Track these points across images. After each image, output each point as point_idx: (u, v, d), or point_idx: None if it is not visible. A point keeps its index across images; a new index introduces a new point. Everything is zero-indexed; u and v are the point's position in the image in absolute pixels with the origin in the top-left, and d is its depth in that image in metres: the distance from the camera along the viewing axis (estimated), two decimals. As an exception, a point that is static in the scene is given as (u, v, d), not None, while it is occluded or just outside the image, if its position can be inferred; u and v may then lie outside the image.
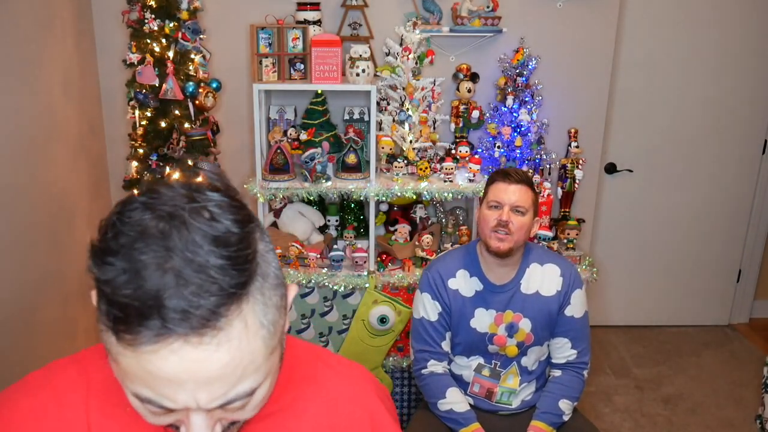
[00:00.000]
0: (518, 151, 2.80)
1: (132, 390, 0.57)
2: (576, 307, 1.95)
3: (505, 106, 2.85)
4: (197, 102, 2.48)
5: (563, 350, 1.98)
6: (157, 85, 2.41)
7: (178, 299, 0.50)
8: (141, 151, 2.49)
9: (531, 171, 2.82)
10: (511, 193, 1.87)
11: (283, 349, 0.66)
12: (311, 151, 2.54)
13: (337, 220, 2.90)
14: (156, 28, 2.38)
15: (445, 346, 2.00)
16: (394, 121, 2.72)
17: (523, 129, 2.81)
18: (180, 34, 2.43)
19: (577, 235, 2.88)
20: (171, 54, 2.42)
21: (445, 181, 2.63)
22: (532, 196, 1.90)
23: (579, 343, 1.97)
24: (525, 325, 1.94)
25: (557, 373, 2.00)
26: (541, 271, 1.95)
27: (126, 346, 0.53)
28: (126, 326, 0.51)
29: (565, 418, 1.94)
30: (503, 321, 1.94)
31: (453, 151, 2.89)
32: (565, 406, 1.94)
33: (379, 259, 2.73)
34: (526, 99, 2.84)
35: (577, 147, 2.98)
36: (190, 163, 2.39)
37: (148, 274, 0.50)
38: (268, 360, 0.60)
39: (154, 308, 0.50)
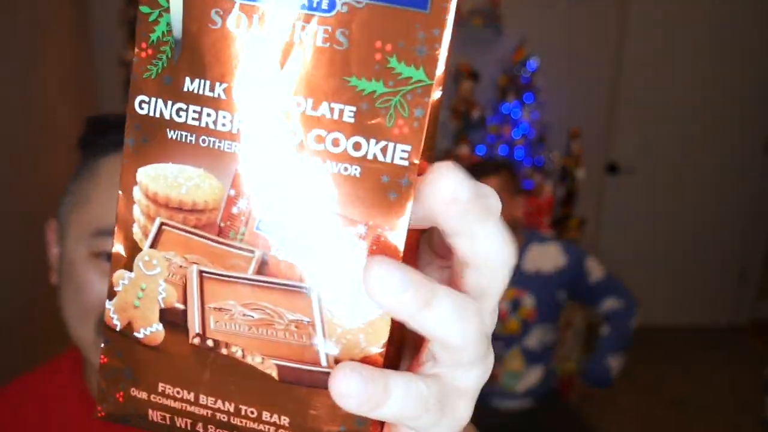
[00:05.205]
0: (519, 150, 2.79)
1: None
2: (596, 270, 2.06)
3: (505, 106, 2.83)
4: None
5: (613, 307, 2.10)
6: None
7: None
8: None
9: (531, 171, 2.80)
10: None
11: None
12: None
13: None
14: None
15: None
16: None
17: (523, 128, 2.79)
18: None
19: (578, 235, 2.86)
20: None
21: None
22: (498, 182, 1.92)
23: (620, 293, 2.11)
24: (529, 301, 1.98)
25: (606, 330, 2.09)
26: (542, 250, 2.00)
27: None
28: None
29: (614, 374, 2.00)
30: (504, 298, 1.98)
31: (453, 151, 2.87)
32: (615, 362, 2.02)
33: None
34: (527, 98, 2.82)
35: (578, 147, 2.97)
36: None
37: None
38: None
39: None
